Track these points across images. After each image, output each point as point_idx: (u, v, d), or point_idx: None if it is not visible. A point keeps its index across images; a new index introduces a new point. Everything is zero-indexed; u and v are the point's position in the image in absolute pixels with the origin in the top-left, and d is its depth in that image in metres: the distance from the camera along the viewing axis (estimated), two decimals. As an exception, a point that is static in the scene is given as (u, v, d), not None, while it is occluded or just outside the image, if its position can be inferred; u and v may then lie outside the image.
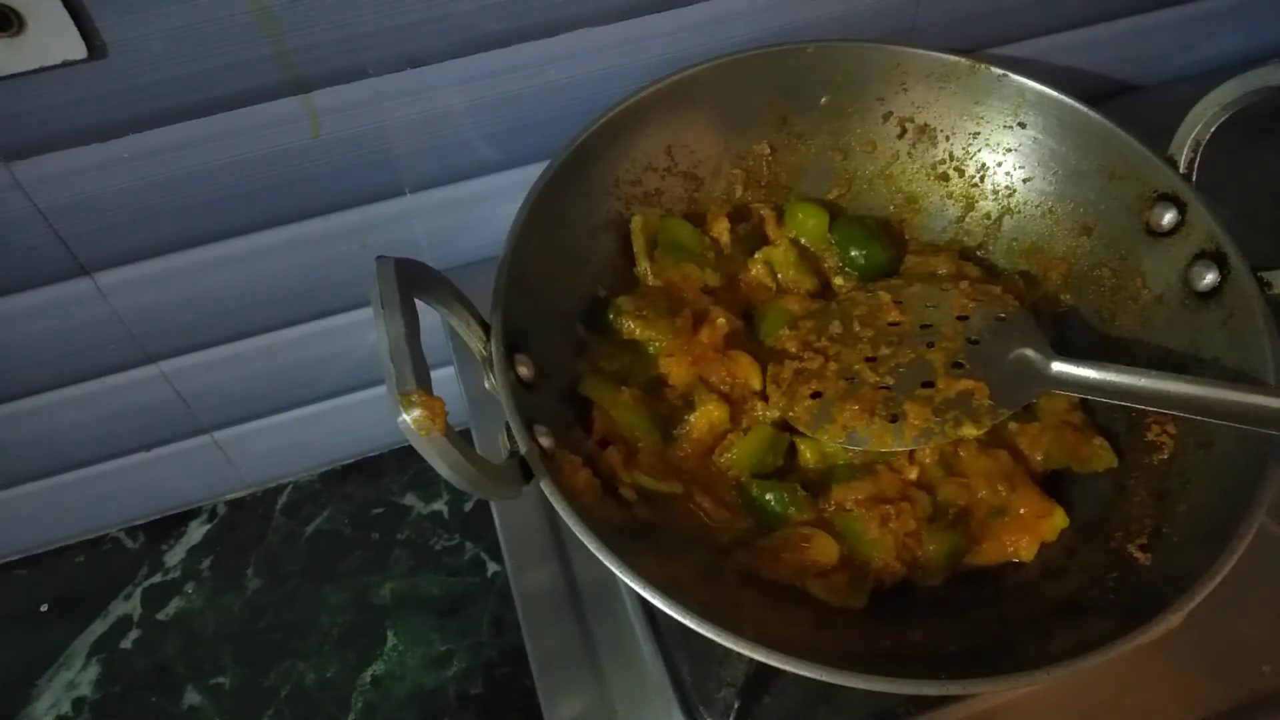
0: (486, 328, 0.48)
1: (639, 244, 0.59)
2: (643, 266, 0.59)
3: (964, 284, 0.57)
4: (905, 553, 0.51)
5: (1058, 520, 0.51)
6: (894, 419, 0.51)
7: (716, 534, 0.51)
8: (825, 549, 0.50)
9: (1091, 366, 0.50)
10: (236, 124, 0.57)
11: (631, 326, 0.56)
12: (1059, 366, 0.51)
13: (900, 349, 0.54)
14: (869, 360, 0.54)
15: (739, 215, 0.63)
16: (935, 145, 0.63)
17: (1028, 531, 0.51)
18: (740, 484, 0.53)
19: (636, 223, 0.59)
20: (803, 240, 0.63)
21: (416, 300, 0.43)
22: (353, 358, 0.78)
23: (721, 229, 0.61)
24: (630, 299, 0.57)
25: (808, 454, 0.54)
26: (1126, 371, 0.48)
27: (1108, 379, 0.49)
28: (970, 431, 0.50)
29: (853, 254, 0.62)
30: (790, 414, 0.54)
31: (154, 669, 0.79)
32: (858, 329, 0.56)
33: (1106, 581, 0.48)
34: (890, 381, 0.53)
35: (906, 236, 0.65)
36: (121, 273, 0.63)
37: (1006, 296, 0.57)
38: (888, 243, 0.63)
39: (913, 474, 0.53)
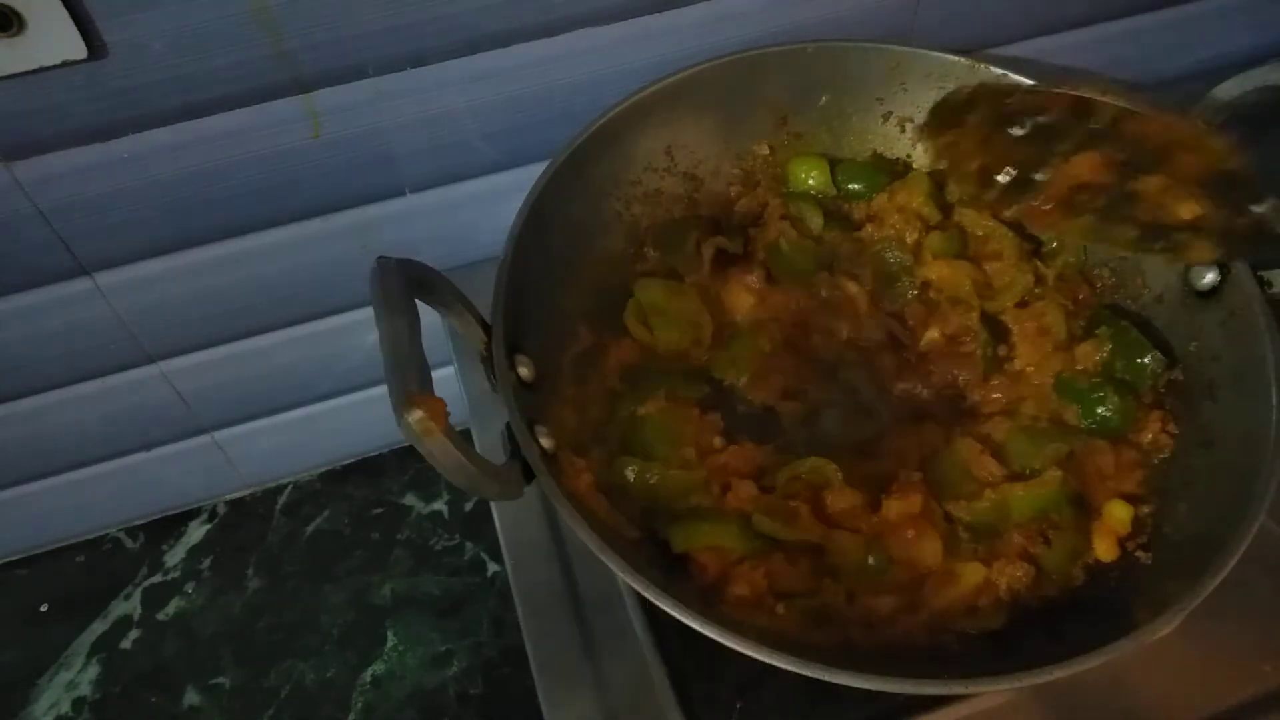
0: (487, 328, 0.48)
1: (638, 330, 0.57)
2: (653, 338, 0.57)
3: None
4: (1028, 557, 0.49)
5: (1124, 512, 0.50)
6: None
7: None
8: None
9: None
10: (236, 124, 0.57)
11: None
12: None
13: None
14: None
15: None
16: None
17: (1109, 531, 0.50)
18: None
19: (629, 312, 0.58)
20: (813, 188, 0.63)
21: (417, 301, 0.43)
22: (353, 358, 0.78)
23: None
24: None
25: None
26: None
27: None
28: None
29: (853, 188, 0.63)
30: None
31: (154, 669, 0.79)
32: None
33: (1107, 581, 0.48)
34: None
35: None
36: (121, 273, 0.63)
37: None
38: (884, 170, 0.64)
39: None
